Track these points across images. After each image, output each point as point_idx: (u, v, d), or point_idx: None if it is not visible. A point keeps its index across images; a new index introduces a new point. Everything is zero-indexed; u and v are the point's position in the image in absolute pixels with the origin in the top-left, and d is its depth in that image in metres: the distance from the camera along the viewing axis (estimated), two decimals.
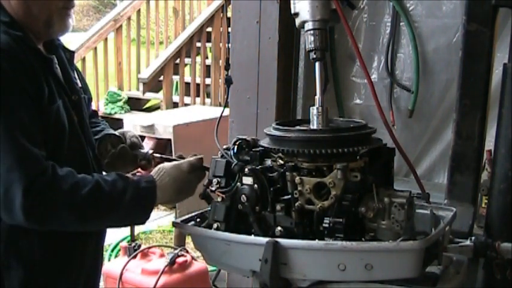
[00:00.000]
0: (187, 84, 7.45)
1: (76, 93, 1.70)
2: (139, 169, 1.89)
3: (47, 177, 1.43)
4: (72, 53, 1.80)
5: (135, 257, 3.15)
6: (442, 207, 1.61)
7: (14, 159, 1.41)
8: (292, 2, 1.56)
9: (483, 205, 2.06)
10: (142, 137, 5.10)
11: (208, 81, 7.42)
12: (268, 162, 1.52)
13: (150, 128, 5.04)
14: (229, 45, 2.78)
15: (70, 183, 1.45)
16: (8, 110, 1.43)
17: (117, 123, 6.75)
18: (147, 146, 5.01)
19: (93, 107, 1.99)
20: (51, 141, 1.53)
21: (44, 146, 1.49)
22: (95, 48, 7.17)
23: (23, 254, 1.55)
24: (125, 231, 4.52)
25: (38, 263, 1.57)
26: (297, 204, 1.41)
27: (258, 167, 1.48)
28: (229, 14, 3.06)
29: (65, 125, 1.59)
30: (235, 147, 1.56)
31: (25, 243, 1.55)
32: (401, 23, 2.57)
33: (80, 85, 1.78)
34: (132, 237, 4.22)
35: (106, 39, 7.33)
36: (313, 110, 1.51)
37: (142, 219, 1.57)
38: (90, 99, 1.87)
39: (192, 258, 3.14)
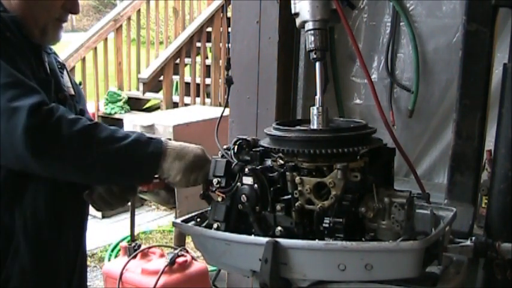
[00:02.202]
0: (187, 84, 7.46)
1: (62, 92, 1.72)
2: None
3: (51, 106, 1.42)
4: (63, 65, 1.84)
5: (135, 257, 3.15)
6: (442, 207, 1.61)
7: (17, 90, 1.41)
8: (292, 2, 1.56)
9: (483, 205, 2.06)
10: None
11: (208, 81, 7.43)
12: (269, 162, 1.52)
13: (150, 128, 5.03)
14: (229, 45, 2.78)
15: (74, 116, 1.45)
16: (6, 59, 1.45)
17: (117, 123, 6.78)
18: None
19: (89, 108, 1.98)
20: None
21: None
22: (95, 48, 7.17)
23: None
24: (125, 231, 4.53)
25: (17, 238, 1.58)
26: (297, 204, 1.41)
27: (258, 167, 1.48)
28: (229, 14, 3.07)
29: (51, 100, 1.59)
30: (235, 147, 1.56)
31: (7, 222, 1.56)
32: (401, 23, 2.57)
33: (72, 93, 1.80)
34: (132, 237, 4.23)
35: (106, 39, 7.34)
36: (313, 110, 1.51)
37: (150, 166, 1.50)
38: (82, 111, 1.88)
39: (192, 258, 3.15)
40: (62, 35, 1.71)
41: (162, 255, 3.17)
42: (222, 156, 1.55)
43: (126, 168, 1.50)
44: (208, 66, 7.49)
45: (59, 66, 1.79)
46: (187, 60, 7.49)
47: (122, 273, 3.06)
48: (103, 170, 1.49)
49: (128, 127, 5.27)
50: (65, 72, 1.83)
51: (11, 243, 1.58)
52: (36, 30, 1.63)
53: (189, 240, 3.83)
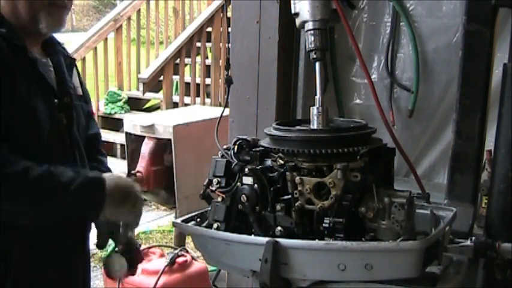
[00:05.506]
0: (187, 84, 7.46)
1: (68, 95, 1.69)
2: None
3: None
4: (73, 60, 1.81)
5: None
6: (442, 207, 1.61)
7: None
8: (292, 2, 1.56)
9: (483, 205, 2.06)
10: (142, 137, 5.11)
11: (208, 81, 7.43)
12: (269, 162, 1.52)
13: (150, 128, 5.03)
14: (229, 45, 2.78)
15: (21, 167, 1.45)
16: None
17: (117, 123, 6.78)
18: (147, 147, 5.03)
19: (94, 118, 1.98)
20: (22, 136, 1.52)
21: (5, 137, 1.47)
22: (95, 48, 7.17)
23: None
24: None
25: (15, 259, 1.56)
26: (297, 204, 1.41)
27: (258, 167, 1.48)
28: (229, 14, 3.06)
29: (40, 124, 1.57)
30: (235, 147, 1.56)
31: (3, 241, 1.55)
32: (401, 23, 2.57)
33: (80, 93, 1.79)
34: None
35: (106, 39, 7.33)
36: (314, 110, 1.51)
37: (93, 210, 1.55)
38: (90, 113, 1.90)
39: (192, 258, 3.14)
40: (63, 20, 1.65)
41: (162, 255, 3.17)
42: (222, 156, 1.55)
43: (72, 216, 1.58)
44: (208, 66, 7.48)
45: (68, 63, 1.76)
46: (187, 60, 7.48)
47: None
48: (55, 213, 1.54)
49: (127, 127, 5.28)
50: (74, 70, 1.80)
51: (9, 266, 1.55)
52: (27, 23, 1.59)
53: (189, 240, 3.83)
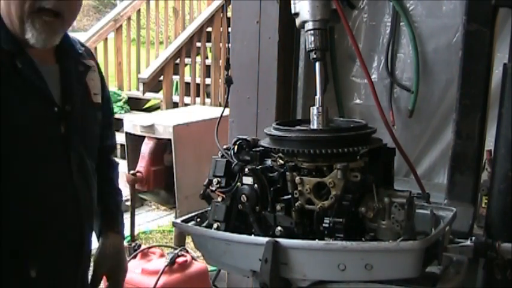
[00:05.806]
0: (187, 84, 7.47)
1: (70, 103, 1.62)
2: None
3: None
4: (87, 67, 1.73)
5: (135, 257, 3.15)
6: (442, 207, 1.61)
7: None
8: (292, 2, 1.56)
9: (483, 205, 2.06)
10: (143, 137, 5.11)
11: (208, 81, 7.44)
12: (269, 162, 1.52)
13: (150, 128, 5.04)
14: (229, 45, 2.78)
15: None
16: None
17: (117, 123, 6.78)
18: (147, 147, 5.03)
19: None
20: (10, 144, 1.48)
21: None
22: (95, 48, 7.17)
23: None
24: (125, 231, 4.52)
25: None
26: (297, 204, 1.41)
27: (258, 167, 1.48)
28: (229, 14, 3.06)
29: (21, 132, 1.52)
30: (235, 147, 1.56)
31: None
32: (401, 23, 2.57)
33: (97, 101, 1.75)
34: (132, 237, 4.22)
35: (106, 39, 7.35)
36: (314, 110, 1.51)
37: None
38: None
39: (192, 258, 3.15)
40: (52, 33, 1.55)
41: (162, 255, 3.17)
42: (222, 156, 1.55)
43: None
44: (208, 66, 7.49)
45: (82, 69, 1.69)
46: (187, 60, 7.49)
47: None
48: None
49: (127, 127, 5.28)
50: (91, 75, 1.73)
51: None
52: (19, 30, 1.52)
53: (189, 240, 3.83)
